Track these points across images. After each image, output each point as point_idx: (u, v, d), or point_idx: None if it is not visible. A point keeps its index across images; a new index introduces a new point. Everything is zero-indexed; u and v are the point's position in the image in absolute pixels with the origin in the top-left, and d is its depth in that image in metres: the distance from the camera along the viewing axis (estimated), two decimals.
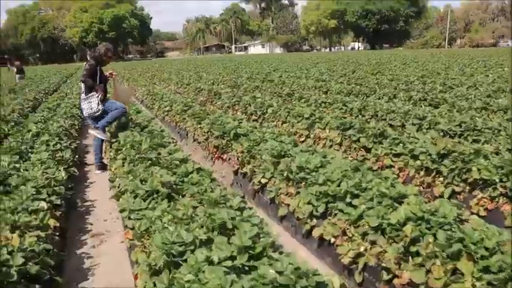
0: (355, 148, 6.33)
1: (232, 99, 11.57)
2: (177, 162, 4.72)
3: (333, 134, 6.98)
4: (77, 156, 7.03)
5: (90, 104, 6.97)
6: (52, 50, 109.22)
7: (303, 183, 4.49)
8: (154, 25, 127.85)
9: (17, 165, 5.02)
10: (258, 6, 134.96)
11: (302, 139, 7.61)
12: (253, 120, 9.66)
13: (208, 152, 7.47)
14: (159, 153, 5.46)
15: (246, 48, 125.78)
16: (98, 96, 6.93)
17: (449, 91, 11.40)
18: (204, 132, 7.78)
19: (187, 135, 9.05)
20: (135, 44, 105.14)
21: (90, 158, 8.11)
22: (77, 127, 9.70)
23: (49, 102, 12.89)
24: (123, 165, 5.16)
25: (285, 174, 4.76)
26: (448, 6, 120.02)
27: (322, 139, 7.18)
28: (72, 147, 7.40)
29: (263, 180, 5.10)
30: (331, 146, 6.88)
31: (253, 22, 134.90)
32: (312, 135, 7.49)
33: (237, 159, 6.08)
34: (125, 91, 8.06)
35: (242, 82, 17.22)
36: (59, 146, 6.43)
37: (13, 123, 9.99)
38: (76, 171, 6.20)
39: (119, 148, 5.99)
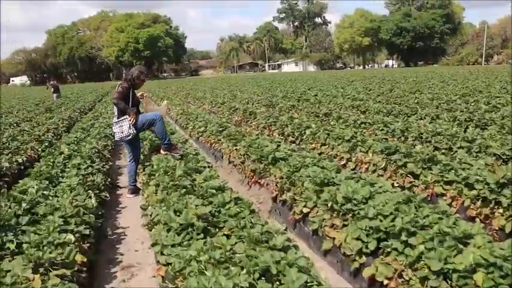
0: (401, 174, 5.89)
1: (268, 119, 11.26)
2: (214, 191, 4.40)
3: (376, 158, 6.57)
4: (109, 179, 6.79)
5: (122, 128, 6.69)
6: (89, 68, 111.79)
7: (350, 215, 4.11)
8: (188, 44, 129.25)
9: (46, 192, 4.78)
10: (291, 24, 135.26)
11: (343, 162, 7.23)
12: (291, 142, 9.32)
13: (244, 175, 7.15)
14: (194, 180, 5.17)
15: (279, 66, 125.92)
16: (129, 120, 6.67)
17: (495, 111, 10.83)
18: (240, 154, 7.47)
19: (222, 157, 8.76)
20: (170, 62, 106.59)
21: (123, 180, 7.89)
22: (110, 148, 9.52)
23: (83, 122, 12.84)
24: (156, 193, 4.87)
25: (329, 205, 4.39)
26: (483, 22, 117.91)
27: (365, 163, 6.77)
28: (105, 169, 7.18)
29: (305, 210, 4.73)
30: (374, 171, 6.47)
31: (286, 40, 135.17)
32: (353, 159, 7.09)
33: (276, 185, 5.73)
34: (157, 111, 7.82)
35: (277, 101, 16.93)
36: (90, 169, 6.21)
37: (47, 143, 9.91)
38: (107, 195, 5.95)
39: (152, 173, 5.72)
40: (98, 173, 6.33)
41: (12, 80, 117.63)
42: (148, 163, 6.44)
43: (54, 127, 12.03)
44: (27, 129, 11.34)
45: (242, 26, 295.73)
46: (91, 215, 4.49)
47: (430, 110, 11.49)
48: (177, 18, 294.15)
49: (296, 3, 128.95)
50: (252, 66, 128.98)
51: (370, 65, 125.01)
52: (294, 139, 9.44)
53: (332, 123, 11.11)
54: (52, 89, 28.50)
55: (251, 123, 12.33)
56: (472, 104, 12.71)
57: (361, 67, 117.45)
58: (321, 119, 11.94)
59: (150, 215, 4.43)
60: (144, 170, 6.62)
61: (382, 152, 6.55)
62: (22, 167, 7.89)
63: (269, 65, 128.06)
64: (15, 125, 13.42)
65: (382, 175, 6.31)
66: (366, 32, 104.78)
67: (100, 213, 5.09)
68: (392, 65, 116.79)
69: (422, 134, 8.17)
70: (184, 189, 4.61)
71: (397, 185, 5.87)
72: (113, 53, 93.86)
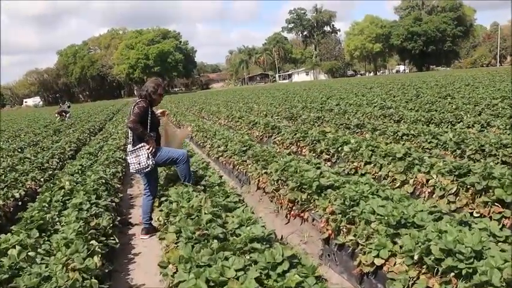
0: (484, 202, 4.67)
1: (295, 134, 10.08)
2: (258, 246, 3.21)
3: (444, 180, 5.35)
4: (118, 217, 5.64)
5: (139, 158, 5.50)
6: (101, 87, 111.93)
7: (452, 274, 2.92)
8: (198, 58, 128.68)
9: (32, 254, 3.61)
10: (300, 34, 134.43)
11: (397, 185, 6.01)
12: (325, 160, 8.14)
13: (279, 205, 5.97)
14: (225, 223, 4.00)
15: (289, 76, 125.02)
16: (148, 149, 5.50)
17: None
18: (273, 180, 6.29)
19: (249, 181, 7.59)
20: (180, 77, 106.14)
21: (135, 214, 6.76)
22: (120, 175, 8.40)
23: (91, 145, 11.72)
24: (177, 244, 3.70)
25: (415, 257, 3.20)
26: (495, 23, 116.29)
27: (428, 186, 5.56)
28: (114, 204, 6.04)
29: (377, 261, 3.53)
30: (442, 197, 5.24)
31: (296, 50, 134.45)
32: (410, 181, 5.87)
33: (327, 222, 4.54)
34: (176, 138, 6.58)
35: (298, 113, 15.76)
36: (94, 209, 5.05)
37: (50, 172, 8.82)
38: (117, 240, 4.79)
39: (170, 213, 4.55)
40: (104, 212, 5.18)
41: (25, 101, 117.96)
42: (164, 198, 5.25)
43: (60, 152, 10.95)
44: (30, 156, 10.25)
45: (251, 38, 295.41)
46: (93, 280, 3.33)
47: (475, 116, 10.26)
48: (186, 33, 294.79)
49: (304, 12, 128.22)
50: (262, 78, 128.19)
51: (381, 71, 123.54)
52: (328, 157, 8.25)
53: (367, 136, 9.91)
54: (58, 117, 27.08)
55: (275, 138, 11.16)
56: None
57: (371, 74, 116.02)
58: (352, 131, 10.75)
59: (172, 278, 3.27)
60: (159, 206, 5.46)
61: (450, 173, 5.33)
62: (20, 202, 6.82)
63: (279, 76, 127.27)
64: (19, 150, 12.39)
65: (453, 202, 5.08)
66: (377, 38, 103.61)
67: (107, 271, 3.92)
68: (404, 70, 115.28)
69: (483, 146, 6.94)
70: (215, 241, 3.43)
71: (477, 215, 4.66)
72: (124, 70, 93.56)
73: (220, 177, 6.12)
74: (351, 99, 20.26)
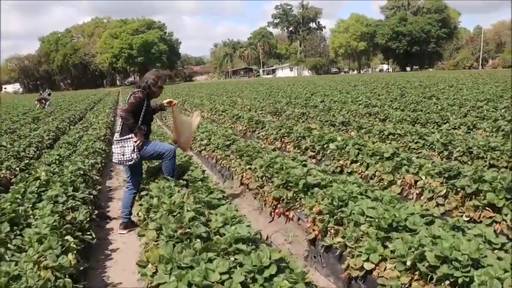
0: (475, 206, 4.55)
1: (279, 129, 9.91)
2: (244, 247, 3.03)
3: (433, 182, 5.23)
4: (96, 211, 5.40)
5: (124, 149, 5.28)
6: (83, 75, 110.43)
7: (447, 282, 2.78)
8: (182, 50, 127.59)
9: (1, 250, 3.38)
10: (285, 29, 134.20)
11: (383, 185, 5.89)
12: (310, 157, 7.99)
13: (263, 202, 5.81)
14: (209, 221, 3.81)
15: (273, 71, 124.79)
16: (135, 142, 5.28)
17: None
18: (257, 177, 6.11)
19: (231, 176, 7.41)
20: (164, 68, 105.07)
21: (114, 207, 6.53)
22: (99, 166, 8.14)
23: (70, 135, 11.41)
24: (158, 242, 3.50)
25: (408, 263, 3.05)
26: (478, 27, 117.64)
27: (416, 188, 5.43)
28: (91, 197, 5.80)
29: (367, 266, 3.38)
30: (431, 199, 5.12)
31: (281, 45, 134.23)
32: (398, 182, 5.74)
33: (313, 222, 4.38)
34: (187, 125, 6.26)
35: (283, 108, 15.60)
36: (71, 202, 4.81)
37: (26, 161, 8.53)
38: (93, 236, 4.56)
39: (150, 208, 4.34)
40: (81, 205, 4.94)
41: (5, 88, 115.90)
42: (145, 192, 5.03)
43: (38, 140, 10.63)
44: (5, 144, 9.90)
45: (236, 32, 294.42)
46: (67, 279, 3.13)
47: (461, 118, 10.20)
48: (172, 24, 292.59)
49: (290, 8, 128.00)
50: (246, 72, 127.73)
51: (364, 70, 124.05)
52: (314, 154, 8.11)
53: (353, 134, 9.80)
54: (38, 104, 26.62)
55: (259, 133, 10.99)
56: (502, 110, 11.43)
57: (354, 72, 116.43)
58: (337, 129, 10.62)
59: (151, 278, 3.08)
60: (140, 200, 5.25)
61: (440, 175, 5.21)
62: None
63: (263, 70, 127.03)
64: None
65: (442, 204, 4.97)
66: (362, 36, 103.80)
67: (82, 268, 3.70)
68: (387, 69, 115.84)
69: (471, 148, 6.85)
70: (198, 240, 3.24)
71: (466, 219, 4.55)
72: (107, 60, 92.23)
73: (203, 171, 5.90)
74: (335, 96, 20.17)
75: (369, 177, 6.25)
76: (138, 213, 4.77)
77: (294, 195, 5.01)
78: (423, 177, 5.39)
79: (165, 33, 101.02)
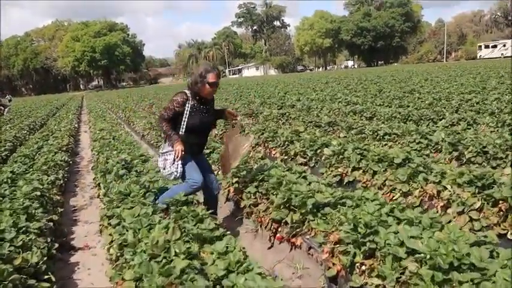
0: None
1: (261, 133, 9.00)
2: None
3: (462, 193, 4.39)
4: (55, 244, 4.37)
5: (165, 162, 4.52)
6: (45, 80, 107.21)
7: None
8: (146, 52, 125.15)
9: None
10: (250, 29, 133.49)
11: (396, 196, 5.04)
12: (301, 164, 7.10)
13: (259, 223, 4.88)
14: (203, 264, 2.87)
15: (239, 71, 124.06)
16: (175, 154, 4.41)
17: None
18: (249, 193, 5.18)
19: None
20: (128, 71, 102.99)
21: (79, 233, 5.51)
22: (61, 182, 7.09)
23: (27, 146, 10.21)
24: None
25: None
26: (440, 20, 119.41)
27: (440, 199, 4.59)
28: (51, 224, 4.77)
29: None
30: (461, 213, 4.29)
31: (245, 45, 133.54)
32: (416, 192, 4.89)
33: (331, 253, 3.49)
34: (239, 147, 5.05)
35: (258, 109, 14.69)
36: (22, 238, 3.78)
37: None
38: (53, 280, 3.56)
39: (125, 245, 3.36)
40: (36, 240, 3.93)
41: None
42: (116, 219, 4.01)
43: None
44: None
45: (200, 32, 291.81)
46: None
47: (453, 113, 9.47)
48: (134, 26, 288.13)
49: (254, 7, 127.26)
50: None
51: (330, 67, 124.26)
52: (305, 160, 7.22)
53: (341, 135, 8.97)
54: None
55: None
56: (494, 102, 10.78)
57: (320, 69, 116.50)
58: (323, 130, 9.77)
59: None
60: (107, 228, 4.23)
61: (471, 184, 4.38)
62: None
63: (229, 70, 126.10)
64: None
65: (476, 219, 4.14)
66: (326, 33, 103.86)
67: None
68: (353, 65, 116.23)
69: (485, 147, 6.08)
70: None
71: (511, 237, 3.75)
72: (69, 63, 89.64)
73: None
74: (310, 95, 19.37)
75: (376, 186, 5.39)
76: (108, 249, 3.76)
77: (301, 217, 4.10)
78: (449, 187, 4.55)
79: (128, 35, 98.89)
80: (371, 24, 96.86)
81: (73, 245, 5.12)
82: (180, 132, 4.50)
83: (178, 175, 4.48)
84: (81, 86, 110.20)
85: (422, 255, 2.82)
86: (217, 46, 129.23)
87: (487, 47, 78.95)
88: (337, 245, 3.46)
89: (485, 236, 3.07)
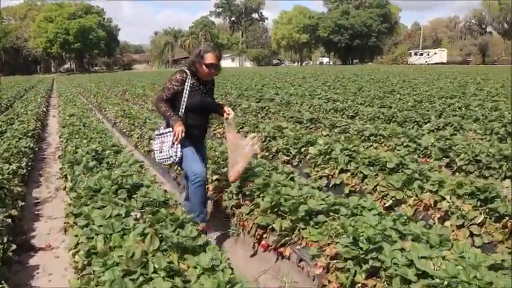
0: None
1: (241, 127, 8.60)
2: None
3: (463, 205, 4.07)
4: (12, 244, 3.87)
5: (162, 145, 4.23)
6: (15, 61, 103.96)
7: None
8: (121, 37, 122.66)
9: None
10: (227, 19, 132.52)
11: (388, 203, 4.70)
12: (284, 163, 6.73)
13: (241, 227, 4.48)
14: (186, 282, 2.46)
15: None
16: (174, 136, 4.10)
17: None
18: (231, 193, 4.78)
19: None
20: (102, 55, 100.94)
21: (41, 230, 5.01)
22: (24, 171, 6.55)
23: None
24: None
25: None
26: (416, 23, 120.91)
27: (438, 210, 4.27)
28: (9, 221, 4.27)
29: None
30: (461, 227, 3.97)
31: (222, 35, 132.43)
32: (410, 200, 4.56)
33: (327, 269, 3.12)
34: (242, 149, 4.49)
35: (236, 101, 14.27)
36: None
37: None
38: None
39: (94, 253, 2.91)
40: None
41: None
42: (83, 220, 3.55)
43: None
44: None
45: (178, 20, 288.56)
46: None
47: (452, 118, 9.18)
48: (110, 10, 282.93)
49: None
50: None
51: (305, 62, 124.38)
52: (288, 158, 6.85)
53: (324, 133, 8.64)
54: None
55: (215, 131, 9.63)
56: (476, 108, 10.60)
57: (295, 64, 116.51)
58: (305, 127, 9.43)
59: None
60: (72, 227, 3.77)
61: (472, 196, 4.07)
62: None
63: None
64: None
65: (478, 235, 3.83)
66: (304, 28, 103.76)
67: None
68: (328, 62, 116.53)
69: (477, 156, 5.81)
70: None
71: None
72: (41, 44, 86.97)
73: (165, 192, 4.43)
74: (289, 89, 19.04)
75: (366, 191, 5.05)
76: (73, 255, 3.30)
77: (291, 224, 3.72)
78: (447, 198, 4.23)
79: (104, 19, 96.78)
80: (349, 22, 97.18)
81: (33, 244, 4.58)
82: (180, 113, 4.16)
83: (176, 159, 4.17)
84: (53, 69, 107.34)
85: (437, 280, 2.47)
86: (194, 35, 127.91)
87: (415, 54, 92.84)
88: (334, 260, 3.09)
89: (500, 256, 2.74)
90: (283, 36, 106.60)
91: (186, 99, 4.15)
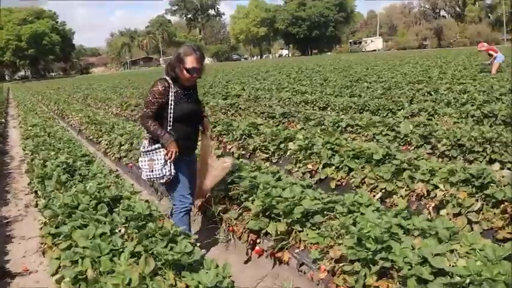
0: None
1: (214, 126, 8.35)
2: None
3: (458, 193, 3.97)
4: None
5: (153, 163, 3.81)
6: None
7: None
8: (77, 41, 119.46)
9: None
10: (184, 17, 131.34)
11: (378, 195, 4.57)
12: (263, 160, 6.55)
13: (231, 233, 4.27)
14: None
15: None
16: (166, 154, 3.76)
17: (495, 101, 8.75)
18: (217, 197, 4.56)
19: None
20: (57, 60, 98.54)
21: (16, 252, 4.67)
22: None
23: None
24: None
25: None
26: (371, 11, 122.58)
27: (431, 199, 4.16)
28: None
29: None
30: (458, 215, 3.87)
31: (180, 33, 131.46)
32: (402, 191, 4.43)
33: (332, 272, 2.95)
34: (214, 170, 4.27)
35: (204, 99, 13.98)
36: None
37: None
38: None
39: (80, 279, 2.66)
40: None
41: None
42: (65, 241, 3.29)
43: None
44: None
45: (132, 21, 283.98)
46: None
47: (426, 104, 9.14)
48: (63, 14, 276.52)
49: None
50: (146, 61, 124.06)
51: (265, 55, 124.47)
52: (267, 156, 6.66)
53: (298, 126, 8.49)
54: None
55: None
56: (445, 92, 10.63)
57: (254, 58, 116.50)
58: (278, 121, 9.26)
59: None
60: (51, 248, 3.49)
61: (467, 183, 3.97)
62: None
63: (164, 59, 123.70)
64: None
65: (477, 222, 3.73)
66: (262, 22, 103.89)
67: None
68: (287, 54, 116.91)
69: (459, 140, 5.75)
70: None
71: None
72: None
73: (147, 202, 4.16)
74: (254, 84, 18.85)
75: (354, 185, 4.91)
76: (58, 282, 3.02)
77: (287, 228, 3.53)
78: (441, 186, 4.12)
79: (57, 22, 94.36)
80: (306, 13, 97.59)
81: (8, 270, 4.25)
82: (168, 127, 3.79)
83: (170, 177, 3.83)
84: (6, 77, 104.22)
85: (458, 279, 2.33)
86: (151, 35, 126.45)
87: (355, 43, 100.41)
88: (340, 264, 2.92)
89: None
90: (241, 31, 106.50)
91: (172, 111, 3.78)
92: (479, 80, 12.62)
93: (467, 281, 2.28)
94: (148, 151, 3.84)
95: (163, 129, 3.78)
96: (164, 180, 3.86)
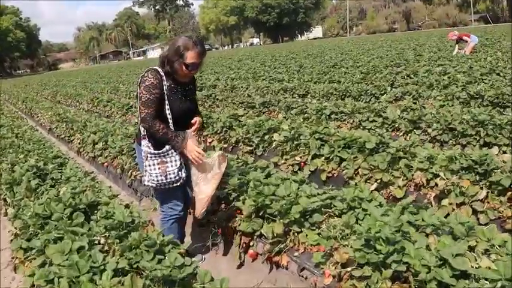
0: None
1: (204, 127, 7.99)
2: None
3: (461, 181, 3.73)
4: None
5: (166, 166, 3.32)
6: None
7: None
8: (43, 37, 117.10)
9: None
10: (152, 8, 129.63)
11: (373, 187, 4.31)
12: (247, 153, 6.25)
13: (219, 234, 3.96)
14: None
15: (144, 52, 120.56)
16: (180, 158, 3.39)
17: (478, 82, 8.60)
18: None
19: (152, 193, 5.42)
20: (23, 57, 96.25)
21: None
22: None
23: None
24: None
25: None
26: None
27: (431, 189, 3.92)
28: None
29: None
30: (462, 204, 3.63)
31: (149, 25, 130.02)
32: (399, 181, 4.19)
33: (339, 277, 2.68)
34: (209, 172, 3.55)
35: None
36: None
37: None
38: None
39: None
40: None
41: None
42: (38, 257, 2.94)
43: None
44: None
45: (98, 14, 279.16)
46: None
47: (410, 87, 8.91)
48: (27, 10, 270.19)
49: None
50: (116, 55, 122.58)
51: (236, 44, 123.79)
52: (251, 148, 6.36)
53: (280, 116, 8.20)
54: None
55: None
56: (425, 74, 10.44)
57: (225, 47, 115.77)
58: (258, 111, 8.96)
59: None
60: (23, 263, 3.15)
61: (469, 171, 3.74)
62: None
63: (134, 52, 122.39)
64: None
65: (482, 211, 3.51)
66: (231, 11, 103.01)
67: None
68: (258, 42, 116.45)
69: (450, 124, 5.53)
70: None
71: None
72: None
73: (128, 207, 3.80)
74: (229, 74, 18.47)
75: (347, 177, 4.65)
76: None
77: (284, 228, 3.24)
78: (442, 174, 3.88)
79: (21, 18, 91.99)
80: (275, 1, 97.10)
81: None
82: (171, 127, 3.35)
83: (183, 182, 3.46)
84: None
85: (486, 284, 2.07)
86: (119, 28, 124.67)
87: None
88: (347, 269, 2.64)
89: None
90: (211, 21, 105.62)
91: (168, 107, 3.33)
92: (457, 61, 12.48)
93: (499, 285, 2.03)
94: (157, 154, 3.35)
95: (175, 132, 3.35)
96: (179, 184, 3.44)
